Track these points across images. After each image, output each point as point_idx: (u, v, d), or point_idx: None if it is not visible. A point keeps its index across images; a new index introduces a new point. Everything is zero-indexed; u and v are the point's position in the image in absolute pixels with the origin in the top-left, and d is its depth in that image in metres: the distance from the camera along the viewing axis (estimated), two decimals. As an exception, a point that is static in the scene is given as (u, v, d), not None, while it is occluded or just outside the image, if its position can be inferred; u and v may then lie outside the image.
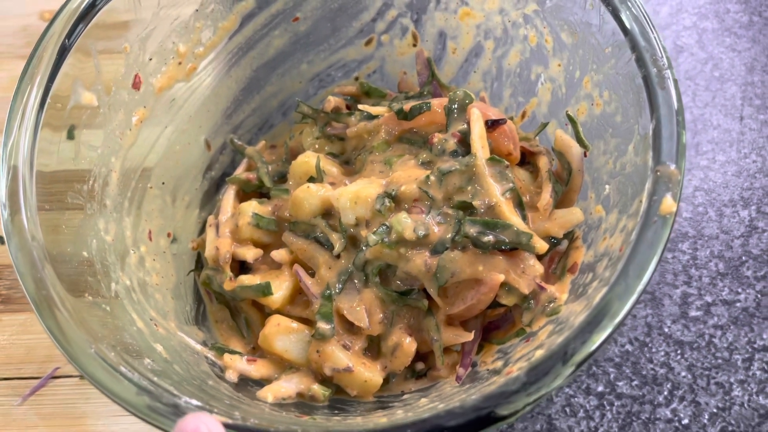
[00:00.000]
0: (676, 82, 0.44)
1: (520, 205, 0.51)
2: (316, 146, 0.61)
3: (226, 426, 0.38)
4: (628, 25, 0.46)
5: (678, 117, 0.43)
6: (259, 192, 0.62)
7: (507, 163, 0.52)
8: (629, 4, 0.47)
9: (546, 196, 0.51)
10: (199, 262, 0.61)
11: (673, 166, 0.41)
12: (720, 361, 0.60)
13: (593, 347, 0.38)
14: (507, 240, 0.49)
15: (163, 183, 0.60)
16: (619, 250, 0.42)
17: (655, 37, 0.45)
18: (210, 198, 0.64)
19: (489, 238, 0.49)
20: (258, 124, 0.67)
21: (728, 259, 0.64)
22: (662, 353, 0.61)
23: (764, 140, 0.69)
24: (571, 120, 0.54)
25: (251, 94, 0.66)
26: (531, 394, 0.37)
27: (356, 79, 0.67)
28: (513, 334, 0.51)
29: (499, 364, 0.48)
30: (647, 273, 0.39)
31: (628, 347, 0.61)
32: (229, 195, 0.61)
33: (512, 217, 0.50)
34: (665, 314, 0.62)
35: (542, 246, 0.49)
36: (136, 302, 0.50)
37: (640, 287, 0.39)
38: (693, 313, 0.62)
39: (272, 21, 0.62)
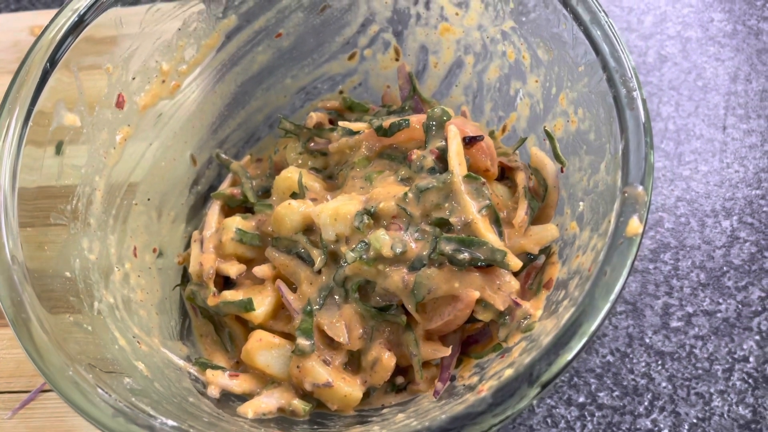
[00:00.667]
0: (644, 102, 0.44)
1: (496, 222, 0.52)
2: (300, 161, 0.62)
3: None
4: (599, 44, 0.47)
5: (646, 138, 0.43)
6: (244, 207, 0.63)
7: (483, 180, 0.52)
8: (601, 23, 0.47)
9: (521, 213, 0.52)
10: (185, 277, 0.62)
11: (640, 188, 0.42)
12: (700, 371, 0.61)
13: (558, 368, 0.38)
14: (482, 257, 0.49)
15: (149, 199, 0.60)
16: (588, 269, 0.42)
17: (625, 57, 0.46)
18: (196, 212, 0.65)
19: (464, 255, 0.49)
20: (244, 138, 0.68)
21: (710, 269, 0.65)
22: (643, 364, 0.62)
23: (747, 150, 0.69)
24: (549, 135, 0.54)
25: (236, 109, 0.67)
26: (497, 415, 0.37)
27: (341, 92, 0.68)
28: (490, 349, 0.52)
29: (475, 379, 0.48)
30: (613, 293, 0.40)
31: (610, 358, 0.62)
32: (213, 210, 0.62)
33: (488, 234, 0.50)
34: (646, 325, 0.63)
35: (516, 263, 0.49)
36: (119, 320, 0.51)
37: (606, 306, 0.40)
38: (674, 324, 0.63)
39: (255, 37, 0.63)
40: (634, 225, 0.41)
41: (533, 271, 0.53)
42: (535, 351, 0.40)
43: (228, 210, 0.63)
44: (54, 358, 0.41)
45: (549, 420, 0.60)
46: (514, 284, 0.50)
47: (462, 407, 0.38)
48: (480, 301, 0.50)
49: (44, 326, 0.42)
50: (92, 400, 0.40)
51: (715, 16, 0.76)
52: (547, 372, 0.38)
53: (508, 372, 0.40)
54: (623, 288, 0.40)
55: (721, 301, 0.63)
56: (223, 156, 0.66)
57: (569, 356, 0.38)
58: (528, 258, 0.53)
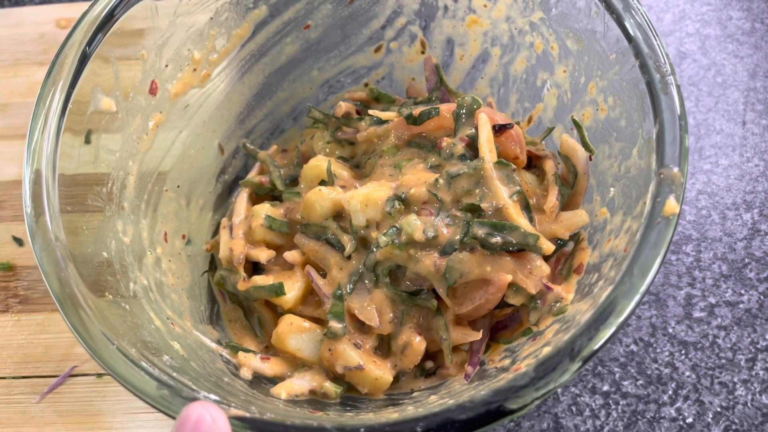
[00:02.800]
0: (678, 87, 0.45)
1: (527, 208, 0.53)
2: (327, 150, 0.63)
3: (244, 420, 0.39)
4: (631, 32, 0.48)
5: (681, 121, 0.44)
6: (272, 195, 0.64)
7: (514, 166, 0.53)
8: (633, 11, 0.48)
9: (552, 199, 0.53)
10: (213, 264, 0.62)
11: (676, 169, 0.43)
12: (724, 361, 0.62)
13: (599, 343, 0.39)
14: (514, 241, 0.50)
15: (178, 186, 0.61)
16: (624, 250, 0.43)
17: (658, 44, 0.47)
18: (223, 201, 0.66)
19: (497, 239, 0.50)
20: (270, 129, 0.69)
21: (731, 261, 0.65)
22: (667, 353, 0.62)
23: (766, 144, 0.70)
24: (577, 125, 0.55)
25: (263, 99, 0.67)
26: (539, 388, 0.38)
27: (366, 85, 0.69)
28: (520, 334, 0.52)
29: (507, 362, 0.49)
30: (651, 272, 0.40)
31: (633, 347, 0.63)
32: (242, 198, 0.62)
33: (519, 219, 0.51)
34: (669, 315, 0.64)
35: (549, 247, 0.50)
36: (153, 301, 0.51)
37: (644, 286, 0.40)
38: (697, 314, 0.63)
39: (284, 28, 0.64)
40: (672, 205, 0.42)
41: (562, 257, 0.54)
42: (573, 329, 0.41)
43: (255, 198, 0.64)
44: (98, 332, 0.42)
45: (574, 408, 0.61)
46: (545, 269, 0.51)
47: (503, 382, 0.39)
48: (511, 285, 0.51)
49: (88, 302, 0.43)
50: (137, 373, 0.40)
51: (733, 14, 0.77)
52: (588, 346, 0.39)
53: (547, 350, 0.41)
54: (660, 268, 0.41)
55: (743, 292, 0.64)
56: (250, 146, 0.66)
57: (609, 332, 0.39)
58: (558, 244, 0.53)
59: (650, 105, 0.46)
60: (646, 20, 0.48)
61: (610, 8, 0.49)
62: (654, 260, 0.41)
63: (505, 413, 0.37)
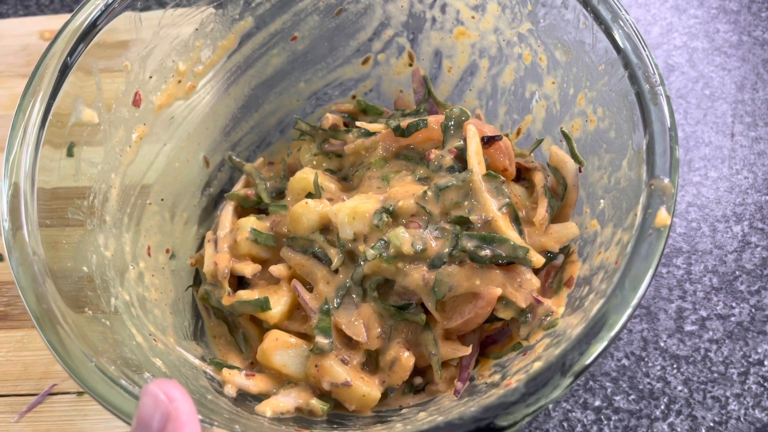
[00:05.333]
0: (668, 98, 0.45)
1: (516, 220, 0.52)
2: (314, 163, 0.62)
3: (227, 439, 0.38)
4: (620, 43, 0.47)
5: (671, 132, 0.44)
6: (258, 208, 0.63)
7: (503, 178, 0.52)
8: (621, 22, 0.48)
9: (541, 211, 0.52)
10: (197, 278, 0.61)
11: (666, 180, 0.42)
12: (716, 375, 0.61)
13: (591, 358, 0.38)
14: (504, 254, 0.49)
15: (162, 199, 0.60)
16: (615, 262, 0.42)
17: (647, 55, 0.46)
18: (208, 215, 0.65)
19: (486, 252, 0.49)
20: (256, 141, 0.68)
21: (722, 273, 0.65)
22: (658, 367, 0.61)
23: (755, 156, 0.70)
24: (566, 136, 0.54)
25: (249, 112, 0.67)
26: (530, 405, 0.37)
27: (353, 97, 0.68)
28: (510, 348, 0.51)
29: (497, 377, 0.48)
30: (643, 284, 0.40)
31: (625, 362, 0.62)
32: (227, 211, 0.61)
33: (509, 231, 0.50)
34: (661, 329, 0.63)
35: (539, 260, 0.49)
36: (135, 317, 0.50)
37: (636, 299, 0.39)
38: (688, 328, 0.63)
39: (270, 40, 0.63)
40: (663, 216, 0.41)
41: (552, 270, 0.53)
42: (564, 343, 0.40)
43: (241, 211, 0.63)
44: (76, 349, 0.40)
45: (565, 424, 0.60)
46: (535, 282, 0.50)
47: (493, 398, 0.38)
48: (501, 299, 0.50)
49: (66, 319, 0.42)
50: (116, 391, 0.39)
51: (720, 27, 0.77)
52: (579, 361, 0.38)
53: (537, 364, 0.40)
54: (652, 280, 0.40)
55: (734, 305, 0.64)
56: (236, 158, 0.66)
57: (601, 346, 0.38)
58: (548, 257, 0.53)
59: (640, 116, 0.45)
60: (634, 31, 0.47)
61: (599, 19, 0.49)
62: (646, 273, 0.40)
63: (495, 430, 0.36)
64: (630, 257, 0.40)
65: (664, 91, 0.45)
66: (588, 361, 0.38)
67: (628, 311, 0.39)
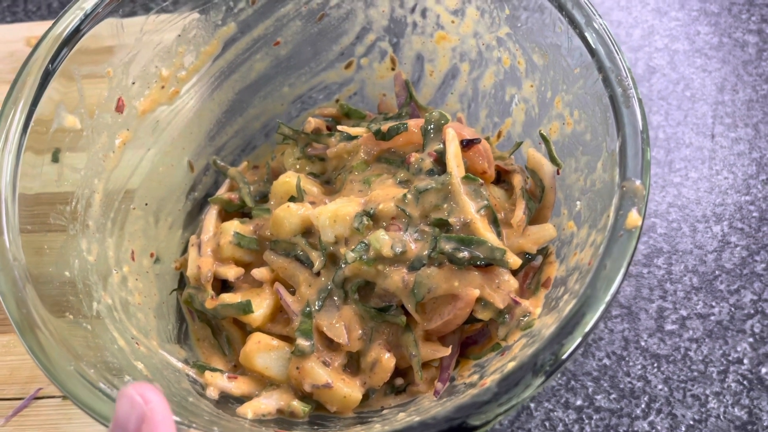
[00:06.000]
0: (640, 101, 0.46)
1: (494, 222, 0.53)
2: (297, 166, 0.62)
3: (204, 440, 0.38)
4: (594, 47, 0.48)
5: (642, 134, 0.44)
6: (241, 212, 0.63)
7: (481, 181, 0.53)
8: (595, 26, 0.49)
9: (519, 213, 0.53)
10: (182, 282, 0.62)
11: (638, 182, 0.43)
12: (696, 373, 0.62)
13: (562, 357, 0.39)
14: (482, 256, 0.50)
15: (147, 204, 0.60)
16: (588, 263, 0.43)
17: (620, 58, 0.47)
18: (193, 219, 0.65)
19: (464, 254, 0.50)
20: (241, 145, 0.69)
21: (702, 273, 0.66)
22: (639, 366, 0.62)
23: (735, 157, 0.71)
24: (544, 139, 0.55)
25: (234, 116, 0.67)
26: (502, 404, 0.38)
27: (337, 101, 0.69)
28: (489, 349, 0.52)
29: (476, 377, 0.49)
30: (614, 285, 0.40)
31: (606, 361, 0.62)
32: (211, 215, 0.62)
33: (487, 233, 0.51)
34: (642, 328, 0.64)
35: (515, 261, 0.50)
36: (117, 321, 0.51)
37: (607, 298, 0.40)
38: (669, 327, 0.64)
39: (254, 45, 0.64)
40: (634, 217, 0.42)
41: (531, 271, 0.54)
42: (537, 343, 0.41)
43: (225, 215, 0.63)
44: (56, 354, 0.41)
45: (547, 423, 0.60)
46: (513, 283, 0.51)
47: (467, 398, 0.38)
48: (479, 300, 0.50)
49: (46, 324, 0.42)
50: (95, 395, 0.39)
51: (701, 29, 0.78)
52: (550, 361, 0.38)
53: (511, 364, 0.41)
54: (623, 280, 0.41)
55: (714, 304, 0.64)
56: (220, 162, 0.66)
57: (572, 346, 0.39)
58: (526, 258, 0.53)
59: (613, 118, 0.46)
60: (608, 34, 0.48)
61: (573, 23, 0.49)
62: (617, 273, 0.40)
63: (467, 429, 0.37)
64: (602, 258, 0.41)
65: (636, 94, 0.46)
66: (559, 361, 0.38)
67: (599, 311, 0.40)
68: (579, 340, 0.39)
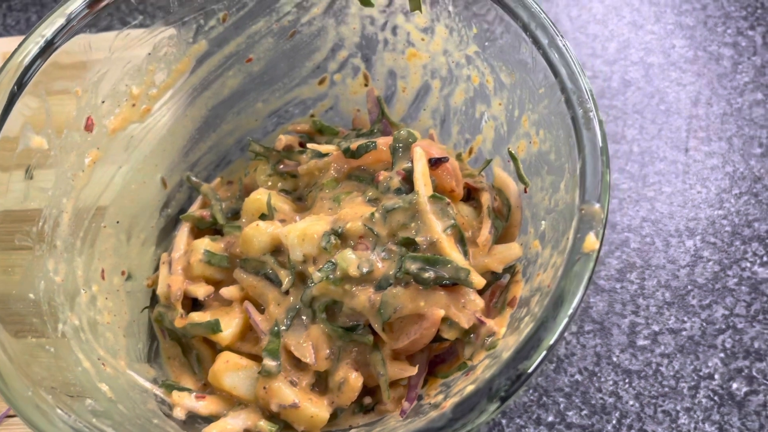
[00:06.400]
0: (601, 122, 0.46)
1: (461, 241, 0.53)
2: (270, 183, 0.63)
3: (161, 466, 0.38)
4: (557, 68, 0.48)
5: (602, 156, 0.44)
6: (214, 229, 0.63)
7: (448, 200, 0.53)
8: (558, 46, 0.49)
9: (485, 232, 0.53)
10: (154, 299, 0.62)
11: (597, 205, 0.43)
12: (667, 389, 0.62)
13: (518, 383, 0.39)
14: (446, 276, 0.50)
15: (118, 222, 0.60)
16: (548, 286, 0.43)
17: (582, 80, 0.47)
18: (167, 235, 0.65)
19: (429, 274, 0.50)
20: (215, 161, 0.69)
21: (674, 288, 0.66)
22: (611, 382, 0.62)
23: (708, 171, 0.71)
24: (513, 157, 0.55)
25: (208, 132, 0.67)
26: (456, 430, 0.38)
27: (312, 116, 0.69)
28: (456, 368, 0.52)
29: (440, 398, 0.49)
30: (571, 308, 0.40)
31: (578, 377, 0.63)
32: (183, 232, 0.62)
33: (452, 253, 0.51)
34: (614, 344, 0.64)
35: (479, 281, 0.50)
36: (84, 342, 0.51)
37: (564, 322, 0.40)
38: (641, 342, 0.64)
39: (226, 62, 0.64)
40: (591, 241, 0.42)
41: (498, 289, 0.54)
42: (495, 366, 0.41)
43: (197, 232, 0.63)
44: (14, 380, 0.41)
45: (518, 440, 0.60)
46: (479, 302, 0.51)
47: (423, 423, 0.38)
48: (445, 320, 0.50)
49: (6, 349, 0.42)
50: (51, 421, 0.39)
51: (676, 43, 0.78)
52: (506, 386, 0.38)
53: (470, 388, 0.41)
54: (581, 303, 0.41)
55: (686, 319, 0.64)
56: (194, 179, 0.66)
57: (528, 370, 0.39)
58: (493, 277, 0.53)
59: (575, 139, 0.46)
60: (570, 56, 0.48)
61: (537, 44, 0.49)
62: (574, 296, 0.41)
63: (422, 456, 0.37)
64: (559, 281, 0.41)
65: (597, 116, 0.46)
66: (514, 386, 0.38)
67: (557, 334, 0.40)
68: (535, 364, 0.39)
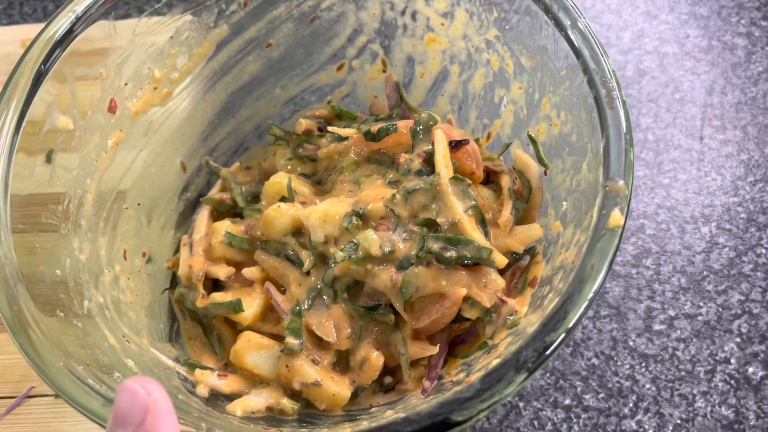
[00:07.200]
0: (624, 102, 0.46)
1: (482, 222, 0.53)
2: (289, 167, 0.63)
3: (191, 436, 0.39)
4: (579, 49, 0.49)
5: (626, 135, 0.45)
6: (233, 212, 0.64)
7: (469, 181, 0.53)
8: (580, 27, 0.49)
9: (506, 213, 0.53)
10: (174, 281, 0.62)
11: (621, 182, 0.43)
12: (683, 373, 0.62)
13: (545, 354, 0.39)
14: (468, 255, 0.50)
15: (139, 204, 0.61)
16: (572, 262, 0.44)
17: (604, 60, 0.48)
18: (185, 219, 0.66)
19: (451, 253, 0.50)
20: (233, 146, 0.69)
21: (690, 274, 0.66)
22: (627, 366, 0.63)
23: (723, 159, 0.71)
24: (532, 140, 0.56)
25: (226, 117, 0.68)
26: (485, 400, 0.38)
27: (329, 102, 0.69)
28: (477, 348, 0.52)
29: (462, 375, 0.49)
30: (597, 282, 0.41)
31: (595, 361, 0.63)
32: (203, 215, 0.62)
33: (474, 233, 0.51)
34: (630, 328, 0.64)
35: (502, 260, 0.50)
36: (108, 319, 0.51)
37: (590, 295, 0.41)
38: (657, 327, 0.64)
39: (246, 47, 0.64)
40: (616, 217, 0.42)
41: (518, 270, 0.54)
42: (520, 341, 0.41)
43: (217, 215, 0.64)
44: (46, 351, 0.41)
45: (536, 422, 0.61)
46: (500, 282, 0.51)
47: (450, 394, 0.39)
48: (467, 299, 0.51)
49: (37, 321, 0.43)
50: (85, 391, 0.40)
51: (690, 32, 0.79)
52: (533, 358, 0.39)
53: (496, 362, 0.41)
54: (606, 278, 0.41)
55: (701, 304, 0.65)
56: (213, 163, 0.67)
57: (555, 342, 0.39)
58: (513, 258, 0.54)
59: (598, 120, 0.47)
60: (592, 37, 0.49)
61: (559, 25, 0.50)
62: (599, 271, 0.41)
63: (450, 425, 0.37)
64: (585, 256, 0.42)
65: (620, 96, 0.46)
66: (542, 358, 0.39)
67: (582, 308, 0.40)
68: (562, 336, 0.40)
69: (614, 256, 0.41)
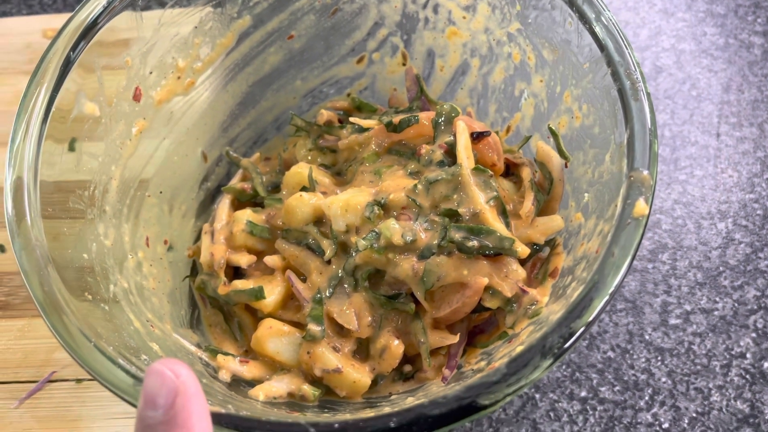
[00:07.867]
0: (648, 94, 0.47)
1: (503, 213, 0.54)
2: (309, 158, 0.64)
3: (219, 416, 0.39)
4: (603, 42, 0.49)
5: (650, 127, 0.45)
6: (254, 202, 0.64)
7: (491, 172, 0.54)
8: (604, 21, 0.50)
9: (528, 204, 0.54)
10: (194, 269, 0.63)
11: (645, 172, 0.44)
12: (699, 367, 0.62)
13: (571, 340, 0.40)
14: (490, 245, 0.51)
15: (161, 192, 0.62)
16: (596, 251, 0.44)
17: (628, 53, 0.48)
18: (206, 208, 0.66)
19: (473, 243, 0.51)
20: (253, 137, 0.70)
21: (706, 269, 0.67)
22: (643, 360, 0.63)
23: (740, 156, 0.72)
24: (553, 133, 0.56)
25: (247, 108, 0.68)
26: (511, 384, 0.39)
27: (348, 95, 0.70)
28: (496, 337, 0.53)
29: (483, 363, 0.49)
30: (622, 270, 0.41)
31: (611, 354, 0.63)
32: (224, 204, 0.63)
33: (495, 223, 0.52)
34: (646, 322, 0.64)
35: (524, 250, 0.51)
36: (133, 304, 0.52)
37: (615, 283, 0.41)
38: (673, 321, 0.64)
39: (268, 38, 0.65)
40: (641, 206, 0.43)
41: (539, 261, 0.55)
42: (545, 329, 0.42)
43: (237, 204, 0.64)
44: (76, 330, 0.42)
45: (552, 414, 0.61)
46: (521, 272, 0.52)
47: (476, 378, 0.39)
48: (488, 289, 0.51)
49: (69, 304, 0.43)
50: (115, 370, 0.40)
51: (707, 30, 0.79)
52: (559, 343, 0.39)
53: (520, 348, 0.41)
54: (630, 266, 0.42)
55: (717, 299, 0.65)
56: (233, 154, 0.67)
57: (580, 329, 0.40)
58: (534, 249, 0.54)
59: (622, 111, 0.47)
60: (617, 30, 0.49)
61: (584, 18, 0.50)
62: (624, 259, 0.41)
63: (477, 409, 0.38)
64: (609, 245, 0.42)
65: (644, 88, 0.47)
66: (567, 344, 0.39)
67: (607, 296, 0.41)
68: (587, 323, 0.40)
69: (639, 245, 0.42)
